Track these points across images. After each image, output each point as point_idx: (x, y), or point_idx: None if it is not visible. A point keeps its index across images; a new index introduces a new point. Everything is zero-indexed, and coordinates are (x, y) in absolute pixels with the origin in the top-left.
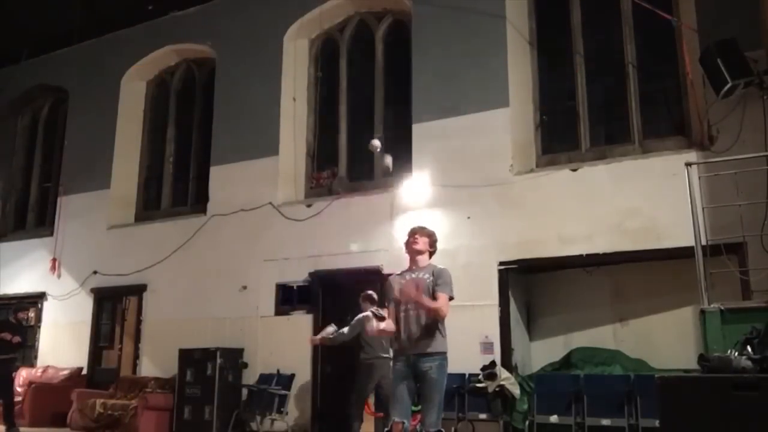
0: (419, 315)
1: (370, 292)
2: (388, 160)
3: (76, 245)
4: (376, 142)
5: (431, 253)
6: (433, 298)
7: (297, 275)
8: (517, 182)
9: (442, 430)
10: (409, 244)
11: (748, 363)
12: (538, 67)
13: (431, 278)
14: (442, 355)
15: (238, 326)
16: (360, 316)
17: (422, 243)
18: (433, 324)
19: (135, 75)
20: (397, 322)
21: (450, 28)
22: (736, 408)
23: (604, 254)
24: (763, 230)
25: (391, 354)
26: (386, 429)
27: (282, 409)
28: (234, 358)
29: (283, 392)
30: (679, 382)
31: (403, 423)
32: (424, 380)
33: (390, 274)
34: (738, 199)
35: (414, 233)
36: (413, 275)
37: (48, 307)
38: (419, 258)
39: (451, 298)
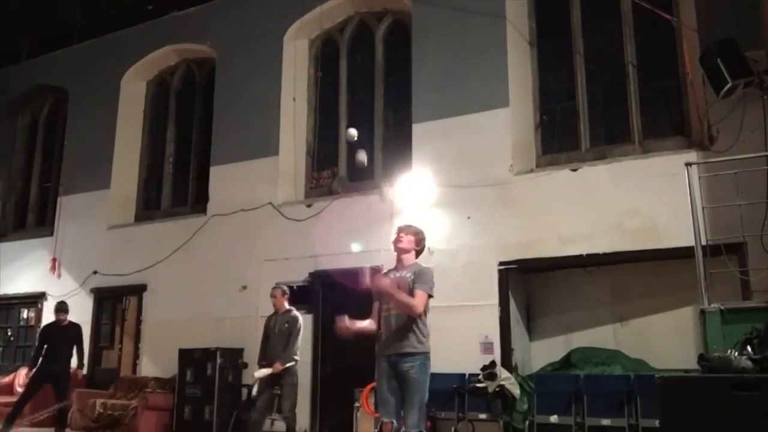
0: (399, 314)
1: (284, 286)
2: (362, 155)
3: (76, 245)
4: (352, 131)
5: (417, 252)
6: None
7: (297, 275)
8: (517, 182)
9: (423, 431)
10: (395, 242)
11: (748, 363)
12: (538, 67)
13: (413, 276)
14: (424, 355)
15: (238, 326)
16: (295, 318)
17: (407, 241)
18: (413, 323)
19: (135, 75)
20: (378, 321)
21: (450, 28)
22: (736, 408)
23: (604, 254)
24: (763, 230)
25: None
26: (375, 430)
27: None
28: (234, 358)
29: None
30: (679, 382)
31: (392, 423)
32: (405, 380)
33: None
34: (738, 199)
35: (400, 231)
36: (397, 274)
37: (48, 307)
38: (404, 256)
39: (430, 297)
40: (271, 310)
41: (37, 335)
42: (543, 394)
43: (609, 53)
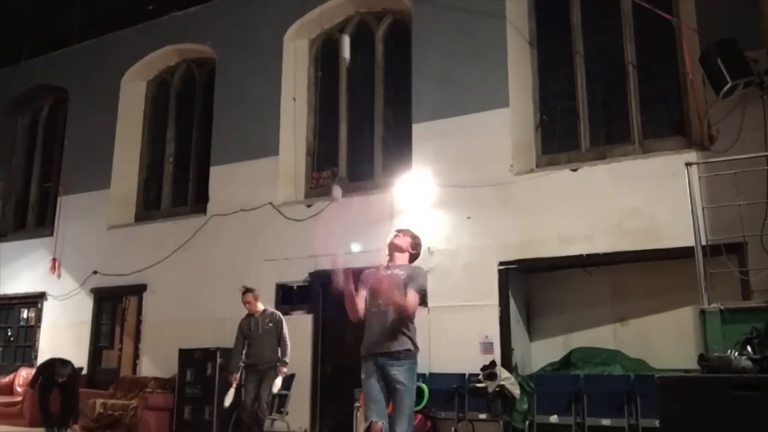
0: (389, 312)
1: (254, 290)
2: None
3: (76, 245)
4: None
5: (412, 256)
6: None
7: (297, 275)
8: (517, 182)
9: None
10: (391, 240)
11: (748, 363)
12: (538, 67)
13: (405, 275)
14: (412, 360)
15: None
16: (279, 316)
17: (403, 242)
18: (402, 324)
19: (135, 75)
20: (365, 320)
21: (450, 28)
22: (736, 408)
23: (604, 254)
24: (763, 230)
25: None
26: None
27: (282, 409)
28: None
29: (283, 392)
30: (679, 382)
31: (382, 423)
32: (393, 386)
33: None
34: (738, 199)
35: (398, 231)
36: (389, 272)
37: (48, 307)
38: (397, 255)
39: (424, 296)
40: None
41: (37, 367)
42: (543, 394)
43: (609, 53)
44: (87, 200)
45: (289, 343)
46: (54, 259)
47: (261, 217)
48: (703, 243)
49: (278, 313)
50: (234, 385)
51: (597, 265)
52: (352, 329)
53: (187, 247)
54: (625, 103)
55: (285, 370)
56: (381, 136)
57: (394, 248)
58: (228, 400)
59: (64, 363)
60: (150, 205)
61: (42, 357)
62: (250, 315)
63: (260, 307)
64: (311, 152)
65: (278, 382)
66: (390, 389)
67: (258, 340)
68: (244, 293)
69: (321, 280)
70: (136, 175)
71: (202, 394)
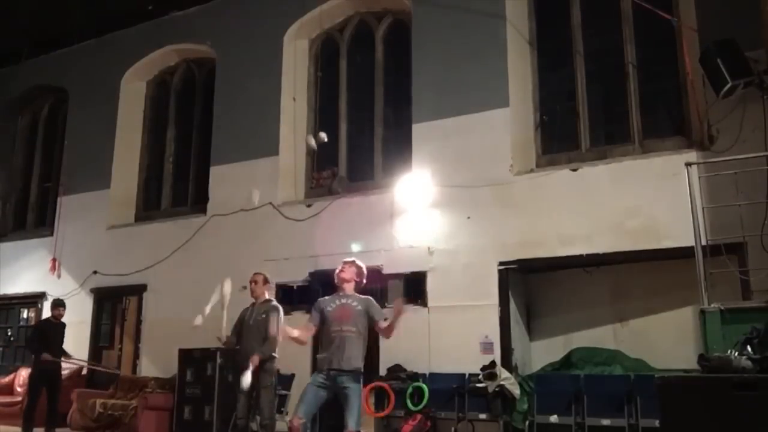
0: (350, 337)
1: (267, 274)
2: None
3: (76, 245)
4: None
5: (357, 284)
6: (370, 323)
7: (297, 275)
8: (517, 182)
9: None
10: (338, 273)
11: (748, 363)
12: (538, 67)
13: (360, 306)
14: (358, 373)
15: None
16: (275, 308)
17: (348, 273)
18: (361, 346)
19: (135, 75)
20: (322, 338)
21: (450, 28)
22: (736, 408)
23: (604, 254)
24: (763, 230)
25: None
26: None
27: (282, 409)
28: (234, 358)
29: (283, 392)
30: (679, 382)
31: (305, 421)
32: (344, 393)
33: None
34: (738, 199)
35: (344, 264)
36: (340, 301)
37: (48, 307)
38: (345, 285)
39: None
40: None
41: (35, 328)
42: (543, 394)
43: (609, 53)
44: (87, 200)
45: (277, 337)
46: (54, 259)
47: (261, 217)
48: (703, 243)
49: (277, 304)
50: (251, 369)
51: (597, 265)
52: None
53: (187, 247)
54: (625, 103)
55: (256, 359)
56: (381, 136)
57: (341, 281)
58: (245, 382)
59: (59, 298)
60: (150, 205)
61: None
62: (252, 304)
63: (266, 295)
64: (311, 152)
65: (246, 378)
66: (341, 396)
67: (247, 333)
68: (255, 273)
69: (321, 279)
70: (136, 175)
71: (202, 394)
